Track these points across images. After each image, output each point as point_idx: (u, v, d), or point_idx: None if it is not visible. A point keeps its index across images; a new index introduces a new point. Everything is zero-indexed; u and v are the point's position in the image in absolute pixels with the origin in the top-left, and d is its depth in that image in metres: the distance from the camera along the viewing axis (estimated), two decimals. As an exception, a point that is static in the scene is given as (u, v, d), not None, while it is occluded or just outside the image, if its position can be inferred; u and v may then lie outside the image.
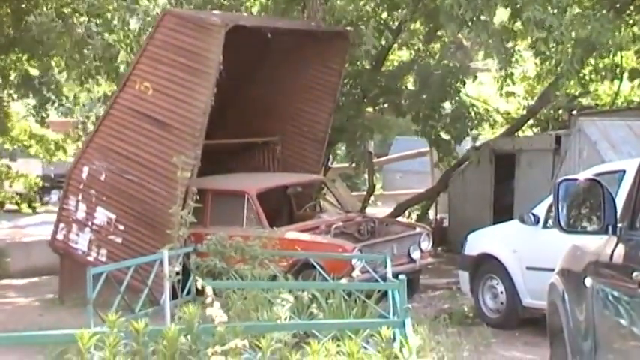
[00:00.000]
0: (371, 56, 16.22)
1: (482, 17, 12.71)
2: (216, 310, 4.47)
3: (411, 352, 4.19)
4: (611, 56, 14.12)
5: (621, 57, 15.47)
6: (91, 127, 17.82)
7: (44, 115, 19.08)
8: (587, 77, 15.60)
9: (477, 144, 16.71)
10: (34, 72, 18.70)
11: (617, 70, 16.14)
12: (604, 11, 13.19)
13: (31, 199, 23.78)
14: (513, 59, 14.39)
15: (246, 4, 16.69)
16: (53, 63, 17.67)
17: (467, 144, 16.94)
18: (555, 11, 12.26)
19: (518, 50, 15.63)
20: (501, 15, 14.77)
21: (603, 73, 15.43)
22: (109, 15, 14.84)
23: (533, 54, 14.78)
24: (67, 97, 19.57)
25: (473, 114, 16.22)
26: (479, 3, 12.38)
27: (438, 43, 17.26)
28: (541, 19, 11.97)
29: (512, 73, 15.05)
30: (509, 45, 14.54)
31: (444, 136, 16.18)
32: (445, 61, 16.12)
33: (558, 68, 13.06)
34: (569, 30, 12.08)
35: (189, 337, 4.47)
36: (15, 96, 19.16)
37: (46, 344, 7.56)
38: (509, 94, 17.63)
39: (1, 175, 19.90)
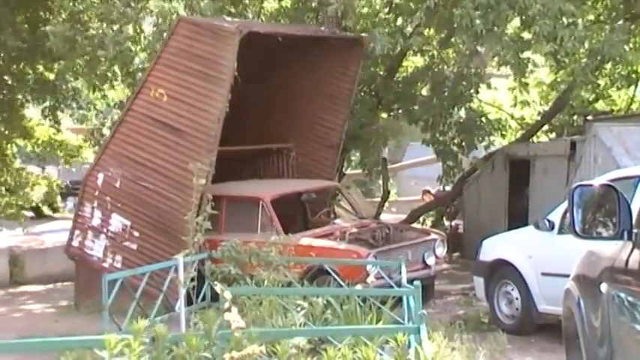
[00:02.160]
0: (385, 63, 16.22)
1: (495, 29, 12.69)
2: (234, 316, 4.49)
3: (426, 359, 4.19)
4: (625, 65, 14.08)
5: (632, 66, 15.42)
6: (106, 133, 17.91)
7: (57, 119, 19.18)
8: (601, 86, 15.58)
9: (488, 152, 16.67)
10: (50, 76, 18.81)
11: (633, 76, 16.09)
12: (620, 22, 13.16)
13: (54, 201, 23.83)
14: (528, 69, 14.36)
15: (260, 11, 16.76)
16: (67, 70, 17.76)
17: (482, 152, 16.91)
18: (567, 21, 12.23)
19: (532, 59, 15.60)
20: (515, 23, 14.76)
21: (619, 82, 15.40)
22: (122, 22, 14.92)
23: (547, 64, 14.74)
24: (84, 103, 19.65)
25: (485, 122, 16.19)
26: (491, 15, 12.36)
27: (452, 49, 17.24)
28: (549, 32, 11.94)
29: (527, 84, 15.00)
30: (524, 55, 14.53)
31: (453, 146, 16.15)
32: (459, 68, 16.10)
33: (572, 78, 13.04)
34: (582, 42, 12.06)
35: (206, 342, 4.48)
36: (30, 99, 19.25)
37: (63, 351, 7.59)
38: (524, 103, 17.61)
39: (27, 179, 19.99)
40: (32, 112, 20.83)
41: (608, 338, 4.41)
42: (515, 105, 16.43)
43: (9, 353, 4.59)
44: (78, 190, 14.50)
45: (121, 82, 16.59)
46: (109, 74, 15.95)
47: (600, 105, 17.98)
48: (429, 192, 19.44)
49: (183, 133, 12.31)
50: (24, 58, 18.09)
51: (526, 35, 13.68)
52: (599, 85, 15.10)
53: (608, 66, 14.86)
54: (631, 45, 12.66)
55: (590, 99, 16.82)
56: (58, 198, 24.42)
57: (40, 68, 18.77)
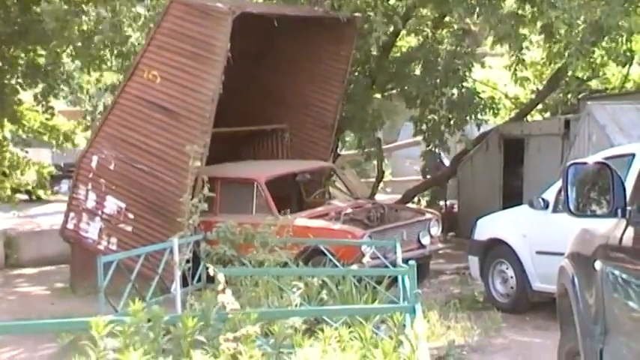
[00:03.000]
0: (379, 43, 16.18)
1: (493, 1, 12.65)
2: (228, 298, 4.50)
3: (418, 338, 4.21)
4: (622, 40, 14.03)
5: (630, 41, 15.40)
6: (99, 116, 17.87)
7: (49, 104, 19.08)
8: (597, 61, 15.53)
9: (482, 132, 16.62)
10: (42, 61, 18.71)
11: (628, 54, 16.07)
12: None
13: (44, 186, 23.81)
14: (524, 45, 14.31)
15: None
16: (61, 52, 17.67)
17: (475, 131, 16.88)
18: None
19: (528, 36, 15.55)
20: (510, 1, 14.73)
21: (614, 56, 15.35)
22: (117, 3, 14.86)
23: (543, 38, 14.68)
24: (77, 86, 19.55)
25: (478, 100, 16.16)
26: None
27: (446, 29, 17.20)
28: (549, 4, 11.91)
29: (524, 60, 14.96)
30: (520, 31, 14.47)
31: (441, 126, 16.08)
32: (452, 47, 16.04)
33: (567, 52, 13.00)
34: (578, 13, 12.03)
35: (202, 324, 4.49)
36: (23, 85, 19.14)
37: (59, 332, 7.62)
38: (523, 79, 17.57)
39: (18, 163, 19.93)
40: (24, 97, 20.72)
41: (603, 315, 4.43)
42: (515, 82, 16.38)
43: (5, 335, 4.60)
44: (72, 172, 14.47)
45: (113, 62, 16.51)
46: (103, 52, 15.85)
47: (594, 83, 17.97)
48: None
49: (177, 114, 12.29)
50: (15, 42, 17.97)
51: (524, 11, 13.67)
52: (594, 60, 15.03)
53: (604, 42, 14.80)
54: (627, 17, 12.54)
55: (585, 77, 16.78)
56: (48, 183, 24.34)
57: (32, 54, 18.64)
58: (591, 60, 14.61)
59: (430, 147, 16.41)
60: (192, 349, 4.20)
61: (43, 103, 18.76)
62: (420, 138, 17.42)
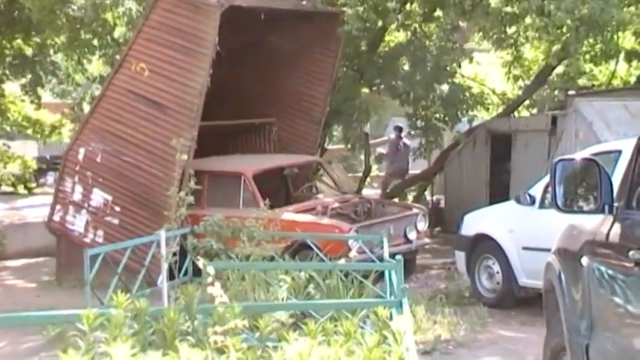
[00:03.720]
0: (367, 38, 16.15)
1: (483, 2, 12.65)
2: (217, 291, 4.49)
3: (402, 332, 4.21)
4: (609, 36, 14.07)
5: (617, 37, 15.43)
6: (86, 108, 17.81)
7: (36, 96, 18.99)
8: (584, 58, 15.57)
9: (469, 127, 16.66)
10: (30, 51, 18.62)
11: (613, 51, 16.11)
12: None
13: (27, 180, 23.74)
14: (518, 42, 14.32)
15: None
16: (48, 42, 17.58)
17: (466, 125, 16.91)
18: None
19: (520, 34, 15.55)
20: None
21: (600, 54, 15.38)
22: None
23: (537, 38, 14.69)
24: (65, 76, 19.45)
25: (468, 96, 16.17)
26: None
27: (434, 24, 17.21)
28: (538, 6, 11.91)
29: (520, 57, 14.96)
30: (510, 30, 14.47)
31: (435, 121, 16.10)
32: (441, 43, 16.05)
33: (562, 50, 13.01)
34: (571, 12, 12.03)
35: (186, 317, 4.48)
36: (9, 76, 19.04)
37: (45, 325, 7.59)
38: (517, 77, 17.60)
39: (0, 155, 19.86)
40: (10, 88, 20.62)
41: (589, 311, 4.44)
42: (509, 79, 16.40)
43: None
44: (58, 164, 14.42)
45: (100, 50, 16.43)
46: (90, 38, 15.77)
47: (581, 80, 18.01)
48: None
49: (164, 107, 12.26)
50: (1, 32, 17.87)
51: (510, 10, 13.65)
52: (589, 53, 15.08)
53: (592, 40, 14.84)
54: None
55: (572, 74, 16.82)
56: (33, 178, 24.27)
57: (19, 44, 18.55)
58: (585, 57, 14.66)
59: (424, 142, 16.41)
60: (177, 341, 4.19)
61: (31, 94, 18.67)
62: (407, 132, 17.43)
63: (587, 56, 15.64)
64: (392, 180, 18.13)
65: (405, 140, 18.16)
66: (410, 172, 18.81)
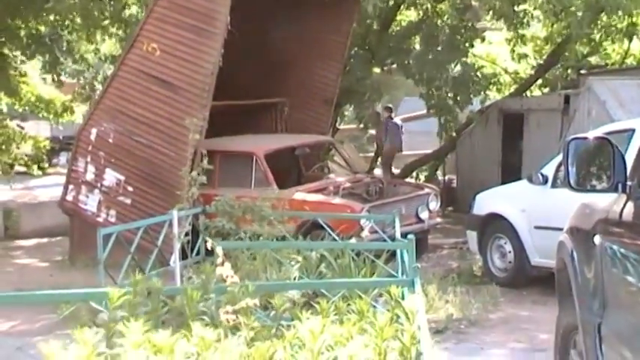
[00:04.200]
0: (379, 17, 16.10)
1: None
2: (227, 270, 4.50)
3: (414, 311, 4.22)
4: (622, 18, 13.99)
5: (631, 17, 15.33)
6: (98, 87, 17.82)
7: (55, 75, 19.03)
8: (596, 39, 15.49)
9: (482, 107, 16.63)
10: (44, 30, 18.62)
11: (628, 29, 16.01)
12: None
13: (40, 160, 23.81)
14: (525, 20, 14.22)
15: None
16: (62, 22, 17.59)
17: (478, 105, 16.88)
18: None
19: (528, 12, 15.47)
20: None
21: (614, 35, 15.28)
22: None
23: (543, 19, 14.64)
24: (79, 56, 19.45)
25: (480, 76, 16.11)
26: None
27: (446, 2, 17.14)
28: None
29: (523, 35, 14.91)
30: (519, 8, 14.40)
31: (449, 100, 16.08)
32: (453, 22, 15.99)
33: (567, 31, 12.97)
34: None
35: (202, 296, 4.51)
36: (24, 56, 19.05)
37: (58, 304, 7.64)
38: (522, 56, 17.50)
39: (14, 136, 19.90)
40: (25, 69, 20.64)
41: (601, 290, 4.44)
42: (513, 54, 16.29)
43: (5, 306, 4.61)
44: (71, 145, 14.44)
45: (113, 28, 16.44)
46: (103, 16, 15.78)
47: (595, 59, 17.93)
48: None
49: (176, 87, 12.25)
50: (15, 12, 17.85)
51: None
52: (593, 39, 14.99)
53: (604, 19, 14.76)
54: None
55: (585, 52, 16.74)
56: (45, 159, 24.33)
57: (33, 24, 18.56)
58: (591, 38, 14.57)
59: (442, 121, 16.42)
60: (193, 320, 4.21)
61: (52, 71, 18.70)
62: (419, 112, 17.42)
63: (598, 38, 15.53)
64: (389, 159, 18.10)
65: (396, 120, 18.22)
66: (418, 152, 18.88)
